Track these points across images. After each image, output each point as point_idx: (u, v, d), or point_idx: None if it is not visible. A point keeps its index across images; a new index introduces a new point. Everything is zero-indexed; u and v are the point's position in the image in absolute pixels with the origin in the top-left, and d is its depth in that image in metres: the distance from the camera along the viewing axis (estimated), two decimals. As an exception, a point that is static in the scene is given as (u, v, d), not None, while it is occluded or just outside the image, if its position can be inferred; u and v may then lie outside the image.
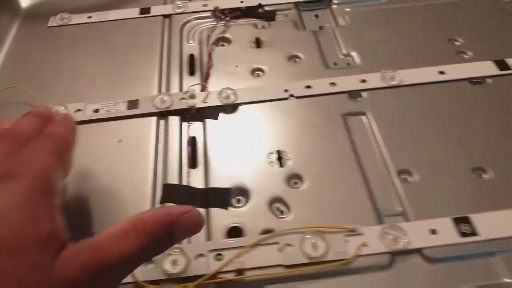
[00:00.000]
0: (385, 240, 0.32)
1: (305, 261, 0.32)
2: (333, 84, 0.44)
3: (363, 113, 0.42)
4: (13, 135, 0.25)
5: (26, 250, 0.20)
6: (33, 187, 0.22)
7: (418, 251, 0.32)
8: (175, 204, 0.36)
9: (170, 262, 0.32)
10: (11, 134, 0.25)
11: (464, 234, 0.32)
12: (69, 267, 0.20)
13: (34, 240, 0.20)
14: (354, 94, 0.44)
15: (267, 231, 0.34)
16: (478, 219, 0.33)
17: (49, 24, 0.55)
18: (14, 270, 0.19)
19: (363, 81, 0.44)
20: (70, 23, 0.55)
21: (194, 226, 0.26)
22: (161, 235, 0.24)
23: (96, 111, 0.43)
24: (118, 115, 0.43)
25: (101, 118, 0.43)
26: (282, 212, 0.36)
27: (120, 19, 0.55)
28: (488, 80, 0.44)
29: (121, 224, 0.23)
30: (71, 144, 0.29)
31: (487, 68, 0.45)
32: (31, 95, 0.44)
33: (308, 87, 0.44)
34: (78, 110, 0.43)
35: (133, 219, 0.24)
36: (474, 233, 0.32)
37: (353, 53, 0.49)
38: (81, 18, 0.56)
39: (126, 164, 0.39)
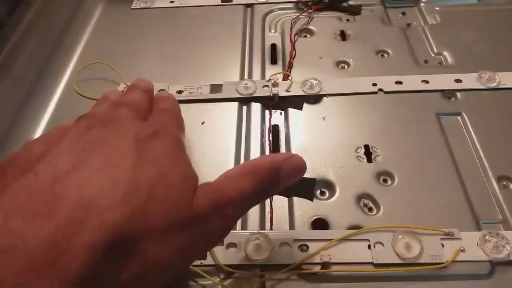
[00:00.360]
0: (485, 248, 0.30)
1: (397, 261, 0.30)
2: (425, 81, 0.42)
3: (459, 114, 0.39)
4: (136, 106, 0.30)
5: (175, 184, 0.24)
6: (175, 143, 0.27)
7: (522, 263, 0.30)
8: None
9: (254, 247, 0.31)
10: (132, 105, 0.30)
11: None
12: (200, 202, 0.24)
13: (181, 178, 0.24)
14: (448, 94, 0.41)
15: (354, 227, 0.32)
16: None
17: (133, 6, 0.56)
18: (167, 197, 0.23)
19: (458, 80, 0.42)
20: (153, 6, 0.55)
21: (298, 170, 0.28)
22: (269, 178, 0.26)
23: (180, 92, 0.43)
24: (201, 98, 0.42)
25: (184, 100, 0.42)
26: (370, 209, 0.34)
27: (201, 6, 0.55)
28: None
29: (235, 169, 0.26)
30: (181, 117, 0.33)
31: None
32: (116, 71, 0.44)
33: (399, 82, 0.42)
34: (161, 89, 0.43)
35: (245, 165, 0.27)
36: None
37: (445, 52, 0.46)
38: (164, 2, 0.56)
39: (209, 146, 0.39)
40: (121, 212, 0.21)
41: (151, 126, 0.28)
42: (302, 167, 0.28)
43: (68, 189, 0.21)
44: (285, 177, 0.27)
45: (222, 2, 0.56)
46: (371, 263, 0.30)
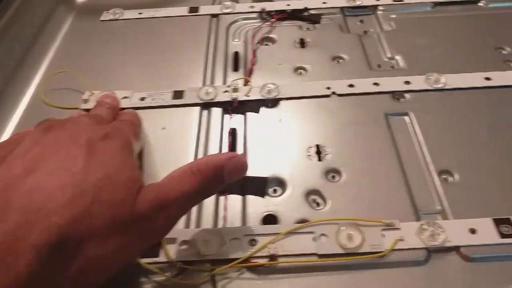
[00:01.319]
0: (422, 236, 0.32)
1: (340, 251, 0.31)
2: (376, 84, 0.44)
3: (406, 114, 0.42)
4: (98, 116, 0.34)
5: (120, 186, 0.26)
6: (125, 146, 0.30)
7: (456, 249, 0.31)
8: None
9: (205, 243, 0.32)
10: (96, 116, 0.35)
11: (504, 235, 0.31)
12: (143, 203, 0.26)
13: (126, 180, 0.26)
14: (397, 95, 0.44)
15: (302, 221, 0.34)
16: (520, 222, 0.32)
17: (102, 18, 0.58)
18: (111, 199, 0.25)
19: (407, 82, 0.44)
20: (121, 18, 0.57)
21: (240, 168, 0.30)
22: (213, 177, 0.28)
23: (142, 99, 0.45)
24: (163, 104, 0.44)
25: (147, 106, 0.44)
26: (318, 204, 0.36)
27: (169, 16, 0.57)
28: (537, 88, 0.43)
29: (181, 168, 0.28)
30: (140, 128, 0.38)
31: (536, 76, 0.44)
32: (82, 80, 0.46)
33: (351, 85, 0.44)
34: (125, 97, 0.45)
35: (189, 164, 0.29)
36: (515, 235, 0.31)
37: (398, 57, 0.48)
38: (133, 14, 0.58)
39: (168, 150, 0.40)
40: (67, 215, 0.23)
41: (105, 128, 0.30)
42: (244, 165, 0.31)
43: (20, 194, 0.23)
44: (228, 175, 0.29)
45: (189, 12, 0.58)
46: (316, 254, 0.32)
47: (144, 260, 0.32)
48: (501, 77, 0.44)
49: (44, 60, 0.52)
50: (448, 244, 0.31)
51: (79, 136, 0.28)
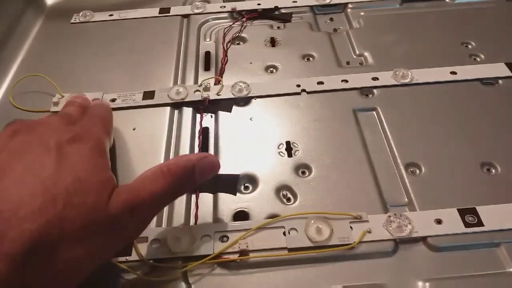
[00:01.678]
0: (389, 228, 0.32)
1: (309, 245, 0.32)
2: (345, 81, 0.45)
3: (374, 109, 0.42)
4: (67, 115, 0.34)
5: (91, 190, 0.26)
6: (95, 147, 0.29)
7: (423, 239, 0.32)
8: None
9: (176, 241, 0.32)
10: (65, 115, 0.34)
11: (469, 225, 0.32)
12: (114, 205, 0.26)
13: (97, 183, 0.26)
14: (365, 91, 0.44)
15: (273, 216, 0.34)
16: (484, 211, 0.33)
17: (72, 21, 0.57)
18: (83, 204, 0.25)
19: (375, 78, 0.45)
20: (92, 20, 0.57)
21: (211, 168, 0.31)
22: (184, 177, 0.29)
23: (113, 100, 0.44)
24: (133, 105, 0.44)
25: (117, 107, 0.44)
26: (289, 199, 0.36)
27: (140, 18, 0.57)
28: (500, 81, 0.44)
29: (152, 169, 0.29)
30: (111, 122, 0.36)
31: (499, 69, 0.45)
32: (51, 83, 0.45)
33: (320, 83, 0.45)
34: (95, 99, 0.45)
35: (160, 165, 0.29)
36: (479, 224, 0.32)
37: (366, 54, 0.49)
38: (103, 16, 0.57)
39: (139, 151, 0.40)
40: (39, 222, 0.23)
41: (74, 130, 0.30)
42: (215, 165, 0.31)
43: None
44: (200, 175, 0.30)
45: (160, 13, 0.58)
46: (286, 248, 0.32)
47: (116, 259, 0.32)
48: (466, 71, 0.45)
49: (13, 63, 0.51)
50: (415, 235, 0.32)
51: (48, 139, 0.28)
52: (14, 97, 0.46)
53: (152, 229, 0.34)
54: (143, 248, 0.32)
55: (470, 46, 0.49)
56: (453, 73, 0.45)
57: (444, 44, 0.50)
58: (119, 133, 0.42)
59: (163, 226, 0.35)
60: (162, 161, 0.39)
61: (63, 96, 0.45)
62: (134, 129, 0.42)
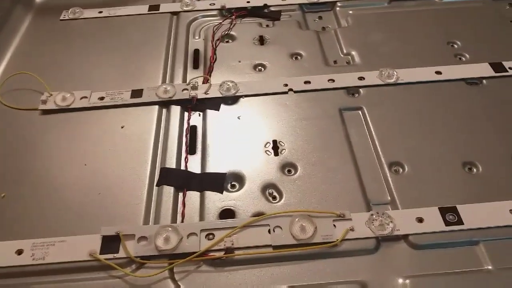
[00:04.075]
0: (372, 226, 0.33)
1: (293, 242, 0.32)
2: (331, 80, 0.45)
3: (360, 108, 0.43)
4: None
5: None
6: None
7: (404, 237, 0.33)
8: (171, 187, 0.37)
9: (163, 239, 0.33)
10: None
11: (449, 223, 0.33)
12: None
13: None
14: (351, 90, 0.45)
15: (258, 214, 0.35)
16: (464, 210, 0.34)
17: (61, 18, 0.57)
18: None
19: (361, 78, 0.45)
20: (81, 17, 0.57)
21: None
22: None
23: (101, 98, 0.45)
24: (122, 103, 0.44)
25: (106, 106, 0.44)
26: (274, 197, 0.37)
27: (129, 15, 0.57)
28: (484, 81, 0.45)
29: None
30: None
31: (483, 69, 0.46)
32: (39, 81, 0.46)
33: (307, 82, 0.45)
34: (84, 97, 0.45)
35: None
36: (459, 222, 0.33)
37: (353, 53, 0.50)
38: (92, 13, 0.57)
39: (127, 149, 0.41)
40: None
41: None
42: None
43: None
44: None
45: (149, 11, 0.58)
46: (270, 245, 0.33)
47: (103, 256, 0.32)
48: (451, 71, 0.46)
49: (1, 61, 0.51)
50: (396, 233, 0.33)
51: None
52: (2, 94, 0.46)
53: (139, 227, 0.34)
54: (130, 245, 0.33)
55: (456, 46, 0.50)
56: (438, 73, 0.46)
57: (431, 43, 0.51)
58: (108, 131, 0.42)
59: (150, 223, 0.35)
60: (150, 158, 0.40)
61: (51, 94, 0.45)
62: (122, 127, 0.42)
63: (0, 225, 0.36)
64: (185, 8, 0.58)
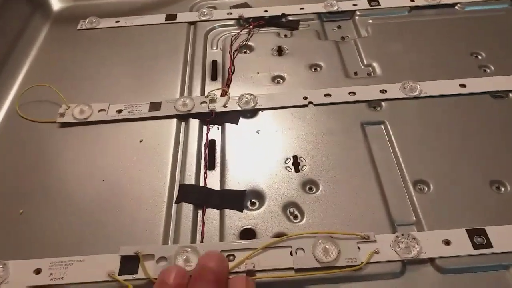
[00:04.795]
0: (397, 248, 0.32)
1: (316, 265, 0.32)
2: (352, 93, 0.45)
3: (382, 123, 0.42)
4: None
5: None
6: None
7: (431, 261, 0.32)
8: (190, 204, 0.37)
9: (183, 260, 0.32)
10: None
11: (478, 246, 0.32)
12: None
13: None
14: (373, 104, 0.44)
15: (279, 235, 0.34)
16: (493, 232, 0.33)
17: (79, 27, 0.57)
18: None
19: (383, 91, 0.44)
20: (98, 26, 0.57)
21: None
22: None
23: (119, 111, 0.44)
24: (140, 116, 0.44)
25: (124, 119, 0.44)
26: (296, 216, 0.36)
27: (146, 25, 0.57)
28: (510, 95, 0.44)
29: None
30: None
31: (509, 82, 0.45)
32: (58, 94, 0.45)
33: (328, 95, 0.45)
34: (102, 110, 0.44)
35: None
36: (488, 245, 0.32)
37: (374, 64, 0.49)
38: (109, 22, 0.57)
39: (146, 163, 0.40)
40: None
41: None
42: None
43: None
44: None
45: (166, 20, 0.57)
46: (292, 268, 0.32)
47: (122, 277, 0.32)
48: (475, 84, 0.45)
49: (20, 71, 0.51)
50: (423, 256, 0.32)
51: None
52: (20, 106, 0.46)
53: (158, 247, 0.34)
54: (149, 266, 0.32)
55: (479, 57, 0.49)
56: (462, 85, 0.44)
57: (453, 54, 0.49)
58: (126, 145, 0.41)
59: (169, 243, 0.35)
60: (168, 173, 0.39)
61: (69, 107, 0.45)
62: (141, 141, 0.42)
63: (18, 243, 0.35)
64: (203, 18, 0.57)
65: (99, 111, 0.44)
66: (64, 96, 0.45)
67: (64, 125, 0.44)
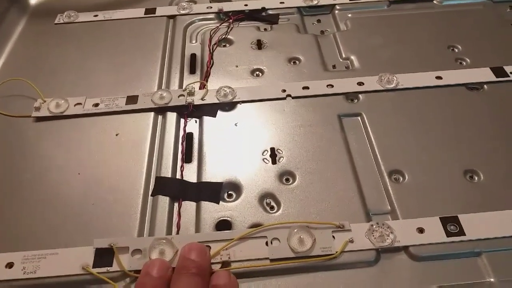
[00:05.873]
0: (372, 237, 0.32)
1: (291, 255, 0.32)
2: (330, 85, 0.45)
3: (359, 114, 0.42)
4: None
5: None
6: None
7: (405, 249, 0.32)
8: (166, 196, 0.37)
9: (158, 252, 0.32)
10: None
11: (451, 234, 0.32)
12: None
13: None
14: (351, 96, 0.44)
15: (256, 225, 0.34)
16: (466, 220, 0.33)
17: (56, 21, 0.56)
18: None
19: (360, 83, 0.45)
20: (76, 21, 0.56)
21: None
22: None
23: (96, 105, 0.44)
24: (116, 110, 0.43)
25: (100, 112, 0.43)
26: (272, 207, 0.36)
27: (125, 19, 0.56)
28: (485, 86, 0.44)
29: None
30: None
31: (484, 74, 0.45)
32: (33, 88, 0.45)
33: (306, 88, 0.45)
34: (78, 104, 0.44)
35: None
36: (461, 233, 0.32)
37: (353, 57, 0.49)
38: (88, 17, 0.57)
39: (122, 157, 0.40)
40: None
41: None
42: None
43: None
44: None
45: (145, 14, 0.57)
46: (268, 258, 0.32)
47: (96, 270, 0.31)
48: (451, 76, 0.45)
49: (-5, 66, 0.50)
50: (397, 244, 0.32)
51: None
52: (-5, 101, 0.45)
53: (133, 239, 0.33)
54: (124, 258, 0.32)
55: (456, 50, 0.49)
56: (439, 77, 0.45)
57: (431, 47, 0.50)
58: (102, 139, 0.41)
59: (144, 235, 0.34)
60: (145, 166, 0.39)
61: (45, 101, 0.44)
62: (117, 135, 0.42)
63: (-10, 236, 0.35)
64: (182, 12, 0.57)
65: (75, 105, 0.44)
66: (40, 91, 0.45)
67: (39, 119, 0.43)
